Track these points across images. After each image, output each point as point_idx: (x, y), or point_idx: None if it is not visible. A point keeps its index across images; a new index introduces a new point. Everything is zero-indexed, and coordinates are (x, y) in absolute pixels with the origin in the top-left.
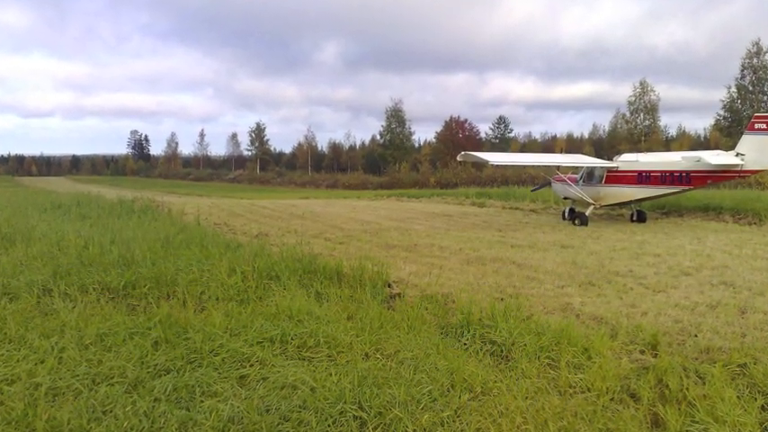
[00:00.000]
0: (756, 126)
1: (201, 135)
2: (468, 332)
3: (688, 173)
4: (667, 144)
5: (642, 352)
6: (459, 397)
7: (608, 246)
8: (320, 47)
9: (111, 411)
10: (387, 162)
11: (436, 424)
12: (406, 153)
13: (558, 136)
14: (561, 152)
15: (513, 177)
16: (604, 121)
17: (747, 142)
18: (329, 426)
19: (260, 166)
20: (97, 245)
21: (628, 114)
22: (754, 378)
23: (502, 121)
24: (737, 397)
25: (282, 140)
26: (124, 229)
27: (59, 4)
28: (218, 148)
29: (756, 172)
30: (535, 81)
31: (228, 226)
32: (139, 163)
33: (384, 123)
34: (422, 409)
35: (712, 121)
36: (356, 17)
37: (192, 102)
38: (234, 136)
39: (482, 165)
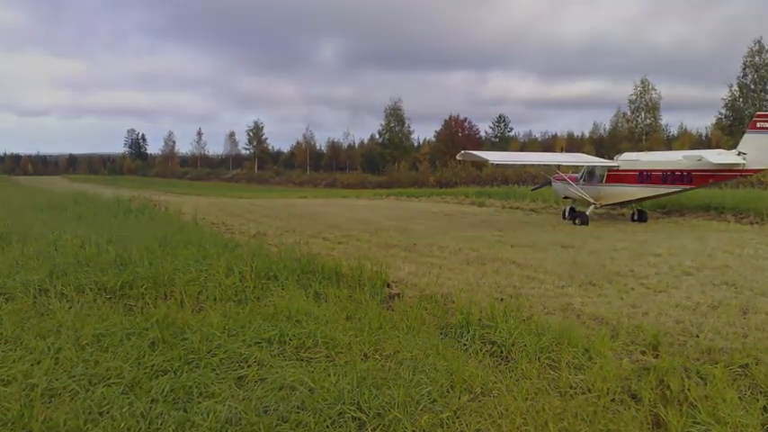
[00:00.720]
0: (758, 125)
1: (199, 134)
2: (468, 332)
3: (689, 172)
4: (669, 143)
5: (643, 352)
6: (459, 398)
7: (609, 245)
8: (319, 45)
9: (108, 412)
10: (386, 161)
11: (436, 425)
12: (406, 152)
13: (558, 135)
14: (562, 151)
15: (513, 177)
16: (605, 120)
17: (749, 141)
18: (328, 427)
19: (258, 165)
20: (94, 245)
21: (629, 113)
22: (756, 379)
23: (502, 120)
24: (739, 398)
25: (281, 139)
26: (121, 229)
27: (56, 1)
28: (215, 147)
29: (758, 171)
30: (535, 79)
31: (226, 225)
32: (136, 162)
33: (383, 122)
34: (421, 409)
35: (714, 120)
36: (355, 15)
37: (190, 100)
38: (232, 135)
39: (482, 164)
